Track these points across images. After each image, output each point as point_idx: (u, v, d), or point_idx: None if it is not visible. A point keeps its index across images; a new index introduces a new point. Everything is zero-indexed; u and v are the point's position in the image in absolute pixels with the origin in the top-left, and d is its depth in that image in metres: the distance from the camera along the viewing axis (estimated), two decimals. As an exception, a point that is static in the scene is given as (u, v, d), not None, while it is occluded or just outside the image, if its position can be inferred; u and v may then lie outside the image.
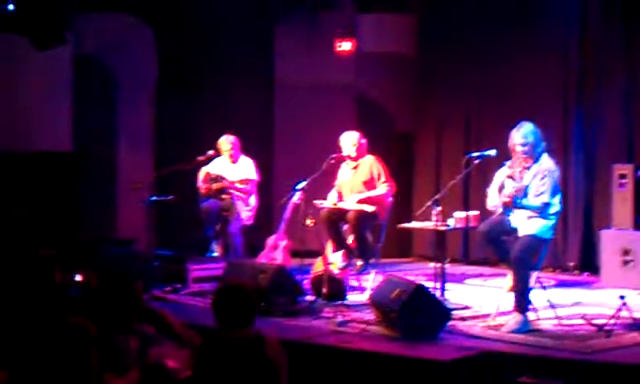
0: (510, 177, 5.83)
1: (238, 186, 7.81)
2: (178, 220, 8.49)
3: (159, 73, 9.09)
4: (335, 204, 6.99)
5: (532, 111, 7.40)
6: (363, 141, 7.11)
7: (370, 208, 6.87)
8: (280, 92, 9.34)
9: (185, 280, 7.08)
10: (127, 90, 9.01)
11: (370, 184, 7.00)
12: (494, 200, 5.92)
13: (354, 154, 7.05)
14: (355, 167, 7.10)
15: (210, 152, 7.80)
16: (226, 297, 3.78)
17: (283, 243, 7.32)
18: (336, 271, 6.61)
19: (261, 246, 7.44)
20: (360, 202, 6.89)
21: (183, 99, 8.96)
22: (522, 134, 5.79)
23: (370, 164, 7.04)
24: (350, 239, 6.88)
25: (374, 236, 6.95)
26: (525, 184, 5.75)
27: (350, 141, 7.08)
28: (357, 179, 7.06)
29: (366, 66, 9.22)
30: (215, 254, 7.77)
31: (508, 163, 5.91)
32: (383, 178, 6.99)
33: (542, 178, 5.74)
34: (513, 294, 5.73)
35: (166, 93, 9.06)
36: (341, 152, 7.08)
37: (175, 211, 8.16)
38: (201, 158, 7.75)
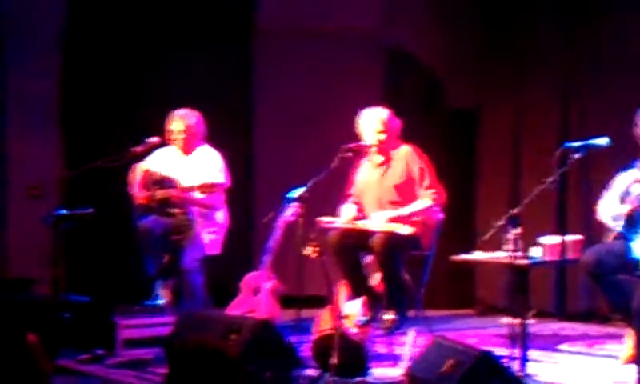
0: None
1: (197, 194, 7.81)
2: (101, 248, 8.49)
3: (70, 15, 9.07)
4: (352, 222, 7.04)
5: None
6: (396, 123, 7.18)
7: (406, 229, 6.92)
8: (264, 46, 9.35)
9: (112, 342, 7.05)
10: (20, 41, 8.98)
11: (405, 189, 7.08)
12: (611, 209, 5.95)
13: (380, 144, 7.13)
14: (383, 163, 7.18)
15: (153, 139, 7.81)
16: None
17: (269, 285, 7.29)
18: (353, 329, 6.54)
19: (233, 289, 7.42)
20: (393, 220, 6.93)
21: (109, 56, 8.98)
22: None
23: (406, 159, 7.13)
24: (376, 279, 6.93)
25: (414, 274, 7.00)
26: None
27: (374, 123, 7.17)
28: (386, 183, 7.15)
29: (399, 5, 9.24)
30: (160, 302, 7.79)
31: None
32: (427, 182, 7.06)
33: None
34: (635, 368, 5.70)
35: (82, 46, 9.05)
36: (360, 140, 7.15)
37: (96, 233, 8.16)
38: (137, 150, 7.76)
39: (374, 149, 7.19)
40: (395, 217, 6.99)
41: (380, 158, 7.18)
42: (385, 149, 7.17)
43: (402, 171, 7.10)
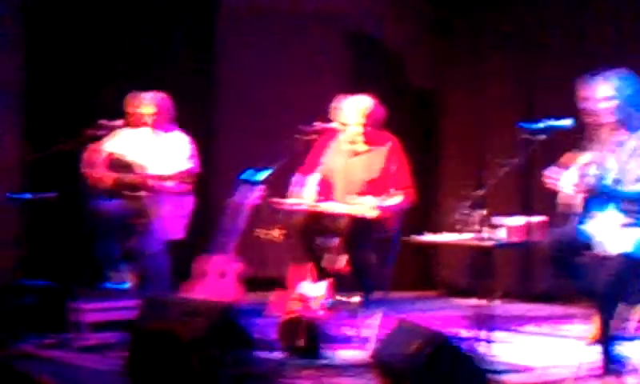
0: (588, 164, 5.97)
1: (169, 183, 7.81)
2: (63, 231, 8.44)
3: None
4: (316, 205, 7.03)
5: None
6: (380, 113, 7.16)
7: (371, 213, 6.92)
8: (228, 26, 9.38)
9: (73, 327, 7.05)
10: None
11: (378, 184, 7.05)
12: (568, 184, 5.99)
13: (357, 133, 7.14)
14: (361, 153, 7.19)
15: (108, 122, 7.73)
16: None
17: (233, 268, 7.31)
18: (317, 312, 6.63)
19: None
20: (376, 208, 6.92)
21: (72, 40, 8.98)
22: (604, 88, 5.92)
23: (386, 154, 7.12)
24: (342, 262, 6.93)
25: (380, 257, 7.01)
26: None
27: (359, 110, 7.13)
28: (361, 174, 7.13)
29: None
30: (121, 286, 7.73)
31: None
32: (404, 181, 7.08)
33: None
34: (599, 348, 5.75)
35: (44, 31, 9.02)
36: (330, 122, 7.15)
37: (58, 217, 8.15)
38: (91, 133, 7.67)
39: (352, 135, 7.15)
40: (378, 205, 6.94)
41: (360, 147, 7.17)
42: (365, 139, 7.15)
43: (379, 165, 7.10)
